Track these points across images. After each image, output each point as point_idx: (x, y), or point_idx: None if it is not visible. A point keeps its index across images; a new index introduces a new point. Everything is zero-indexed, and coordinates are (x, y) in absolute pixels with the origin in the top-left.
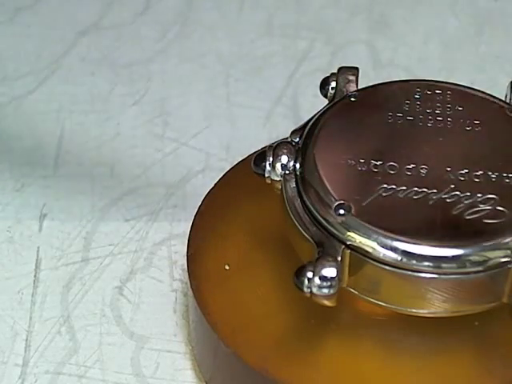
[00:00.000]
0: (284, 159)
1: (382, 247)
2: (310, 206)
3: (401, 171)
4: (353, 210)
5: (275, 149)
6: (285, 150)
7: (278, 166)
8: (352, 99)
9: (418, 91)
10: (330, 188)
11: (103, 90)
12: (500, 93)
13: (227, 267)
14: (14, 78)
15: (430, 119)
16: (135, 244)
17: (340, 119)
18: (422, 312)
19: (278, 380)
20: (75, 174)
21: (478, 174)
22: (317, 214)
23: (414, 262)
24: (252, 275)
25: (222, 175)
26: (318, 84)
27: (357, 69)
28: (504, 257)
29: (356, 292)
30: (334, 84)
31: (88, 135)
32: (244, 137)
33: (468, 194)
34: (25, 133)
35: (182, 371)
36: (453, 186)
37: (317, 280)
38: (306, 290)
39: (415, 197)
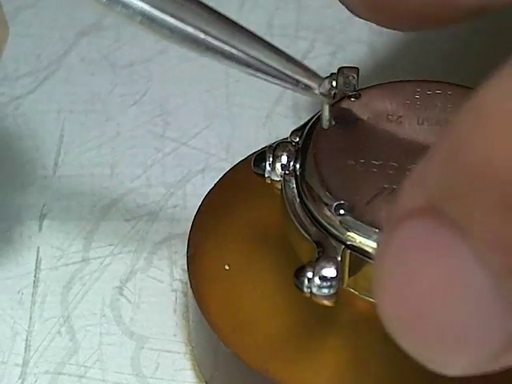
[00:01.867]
0: (284, 159)
1: None
2: (310, 206)
3: (401, 171)
4: (353, 210)
5: (275, 149)
6: (284, 150)
7: (278, 166)
8: (352, 99)
9: (418, 91)
10: (329, 188)
11: (103, 90)
12: None
13: (227, 267)
14: (13, 78)
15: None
16: (135, 244)
17: (340, 119)
18: None
19: (278, 380)
20: (75, 174)
21: None
22: (316, 214)
23: None
24: (252, 275)
25: (222, 175)
26: None
27: (357, 69)
28: None
29: (356, 292)
30: (333, 84)
31: (88, 135)
32: (244, 137)
33: None
34: (25, 133)
35: (182, 371)
36: None
37: (317, 280)
38: (306, 290)
39: None
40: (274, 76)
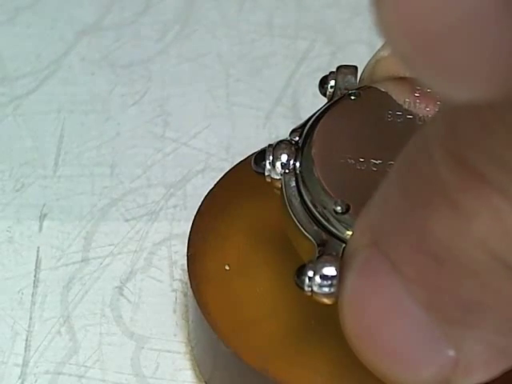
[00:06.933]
0: (284, 158)
1: None
2: (310, 205)
3: None
4: (352, 209)
5: (275, 148)
6: (284, 149)
7: (278, 164)
8: (352, 98)
9: (418, 89)
10: (329, 187)
11: (103, 90)
12: None
13: (227, 267)
14: (13, 78)
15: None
16: (135, 244)
17: (339, 118)
18: None
19: (278, 380)
20: (75, 174)
21: None
22: (316, 213)
23: None
24: (252, 275)
25: (222, 175)
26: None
27: (355, 67)
28: None
29: None
30: (332, 83)
31: (88, 135)
32: (244, 137)
33: None
34: (25, 133)
35: (182, 371)
36: None
37: (318, 279)
38: (306, 288)
39: None
40: None
